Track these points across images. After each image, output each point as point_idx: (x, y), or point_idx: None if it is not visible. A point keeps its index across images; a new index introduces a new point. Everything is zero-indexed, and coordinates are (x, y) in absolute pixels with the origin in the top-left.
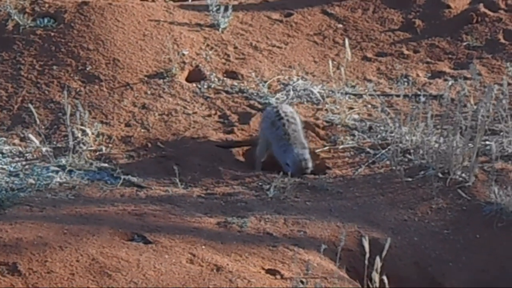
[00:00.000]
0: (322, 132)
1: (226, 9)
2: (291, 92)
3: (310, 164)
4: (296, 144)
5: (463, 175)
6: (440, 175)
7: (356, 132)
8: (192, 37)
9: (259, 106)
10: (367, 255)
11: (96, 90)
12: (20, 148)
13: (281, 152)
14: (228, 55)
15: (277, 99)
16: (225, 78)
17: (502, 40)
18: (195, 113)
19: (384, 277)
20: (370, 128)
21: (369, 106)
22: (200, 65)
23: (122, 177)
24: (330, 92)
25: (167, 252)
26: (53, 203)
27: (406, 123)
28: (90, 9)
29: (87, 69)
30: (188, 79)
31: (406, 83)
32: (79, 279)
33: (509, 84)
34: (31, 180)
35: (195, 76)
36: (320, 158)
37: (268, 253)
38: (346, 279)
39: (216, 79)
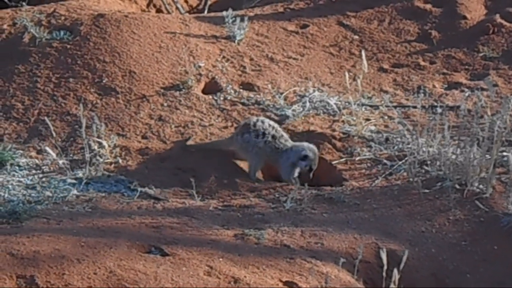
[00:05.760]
0: (338, 144)
1: (242, 20)
2: (307, 104)
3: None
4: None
5: (481, 186)
6: (458, 186)
7: (373, 144)
8: (208, 49)
9: (276, 118)
10: (385, 267)
11: (113, 103)
12: (36, 161)
13: (288, 155)
14: (244, 67)
15: (294, 110)
16: (241, 90)
17: None
18: (212, 125)
19: None
20: (387, 139)
21: (386, 117)
22: (216, 77)
23: (139, 189)
24: (347, 104)
25: (185, 265)
26: (70, 215)
27: (423, 134)
28: (106, 21)
29: (103, 81)
30: (204, 91)
31: (422, 94)
32: None
33: None
34: (48, 193)
35: (211, 88)
36: (337, 169)
37: (285, 265)
38: None
39: (232, 91)
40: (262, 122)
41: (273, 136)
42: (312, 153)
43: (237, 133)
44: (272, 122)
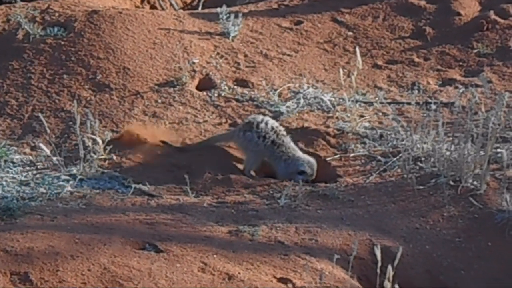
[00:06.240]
0: (333, 140)
1: (236, 17)
2: (302, 100)
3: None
4: (296, 151)
5: (475, 182)
6: (452, 183)
7: (367, 140)
8: (202, 46)
9: (270, 114)
10: (379, 264)
11: (107, 99)
12: (30, 157)
13: (287, 166)
14: (238, 63)
15: (288, 107)
16: (235, 86)
17: None
18: (206, 121)
19: (396, 286)
20: (381, 136)
21: (380, 114)
22: (210, 73)
23: (133, 186)
24: (341, 100)
25: (179, 261)
26: (64, 212)
27: (417, 131)
28: (100, 18)
29: (97, 78)
30: (198, 88)
31: (416, 91)
32: None
33: None
34: (42, 189)
35: (206, 84)
36: (331, 166)
37: (279, 262)
38: None
39: (226, 88)
40: (266, 124)
41: (273, 142)
42: (310, 169)
43: (239, 129)
44: (276, 125)
